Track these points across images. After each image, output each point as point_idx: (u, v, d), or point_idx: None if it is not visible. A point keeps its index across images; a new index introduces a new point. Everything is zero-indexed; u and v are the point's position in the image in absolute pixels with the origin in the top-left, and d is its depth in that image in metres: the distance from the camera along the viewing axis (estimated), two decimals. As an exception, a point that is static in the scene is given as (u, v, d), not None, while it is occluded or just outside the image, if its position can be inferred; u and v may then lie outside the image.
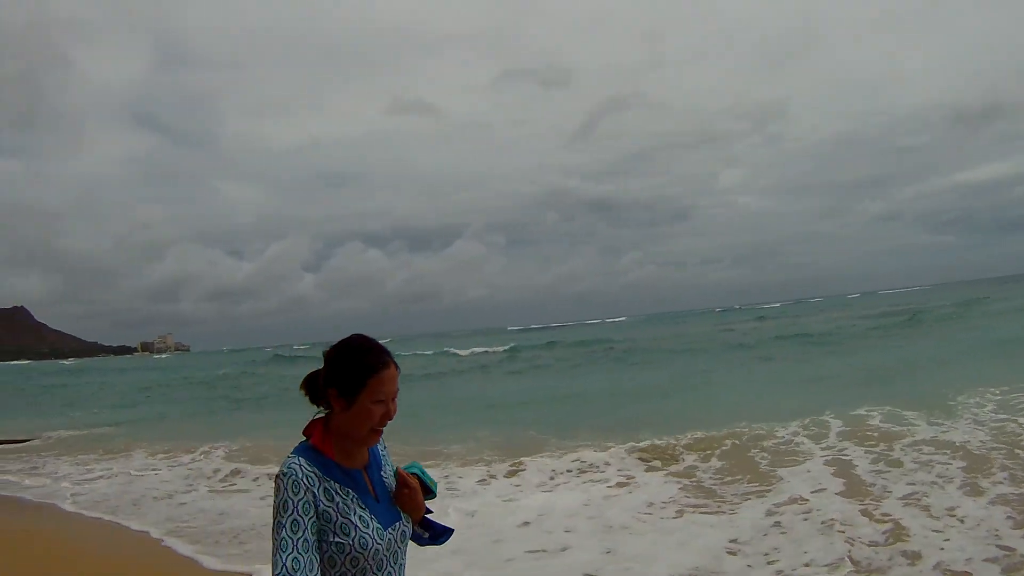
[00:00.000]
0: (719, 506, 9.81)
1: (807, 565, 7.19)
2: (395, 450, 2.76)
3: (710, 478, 11.40)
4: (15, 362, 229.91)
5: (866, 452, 11.87)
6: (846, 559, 7.21)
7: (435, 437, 16.68)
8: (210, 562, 8.98)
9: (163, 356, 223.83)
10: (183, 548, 9.59)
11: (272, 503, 2.25)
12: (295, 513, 2.21)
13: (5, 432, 24.71)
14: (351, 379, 2.38)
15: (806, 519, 8.69)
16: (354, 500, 2.35)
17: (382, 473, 2.56)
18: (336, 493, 2.32)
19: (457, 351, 61.89)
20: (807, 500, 9.48)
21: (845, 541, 7.67)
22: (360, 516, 2.34)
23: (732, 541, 8.12)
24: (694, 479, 11.39)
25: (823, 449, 12.43)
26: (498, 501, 10.93)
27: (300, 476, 2.27)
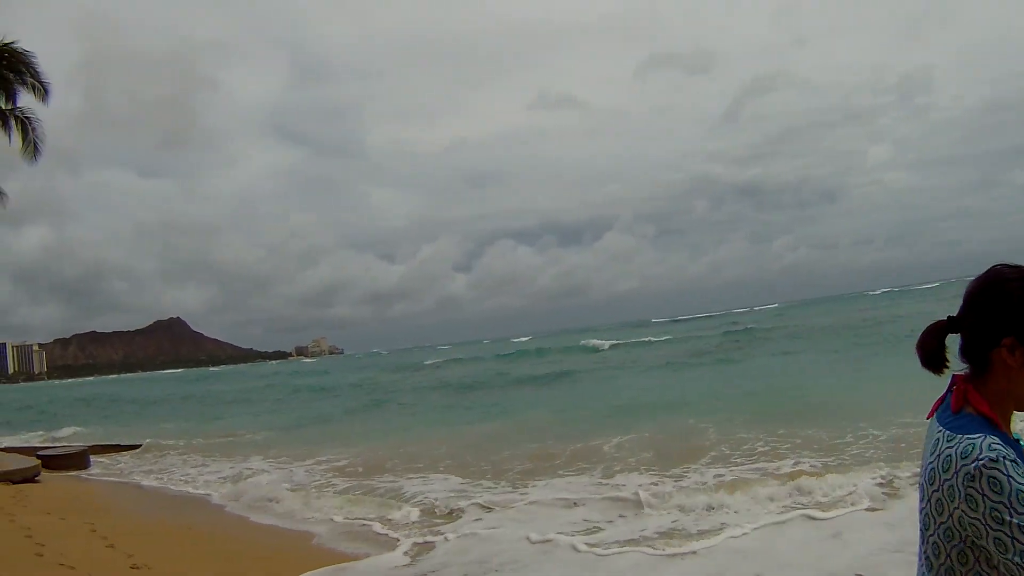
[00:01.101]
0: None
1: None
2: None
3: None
4: (169, 371, 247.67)
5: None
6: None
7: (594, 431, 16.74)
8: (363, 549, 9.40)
9: (311, 360, 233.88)
10: (341, 545, 9.89)
11: (981, 505, 1.62)
12: None
13: (120, 436, 27.01)
14: None
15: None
16: None
17: None
18: None
19: (598, 342, 61.41)
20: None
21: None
22: None
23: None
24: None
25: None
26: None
27: (1013, 455, 1.64)
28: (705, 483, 11.46)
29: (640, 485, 11.63)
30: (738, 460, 12.96)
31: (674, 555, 8.32)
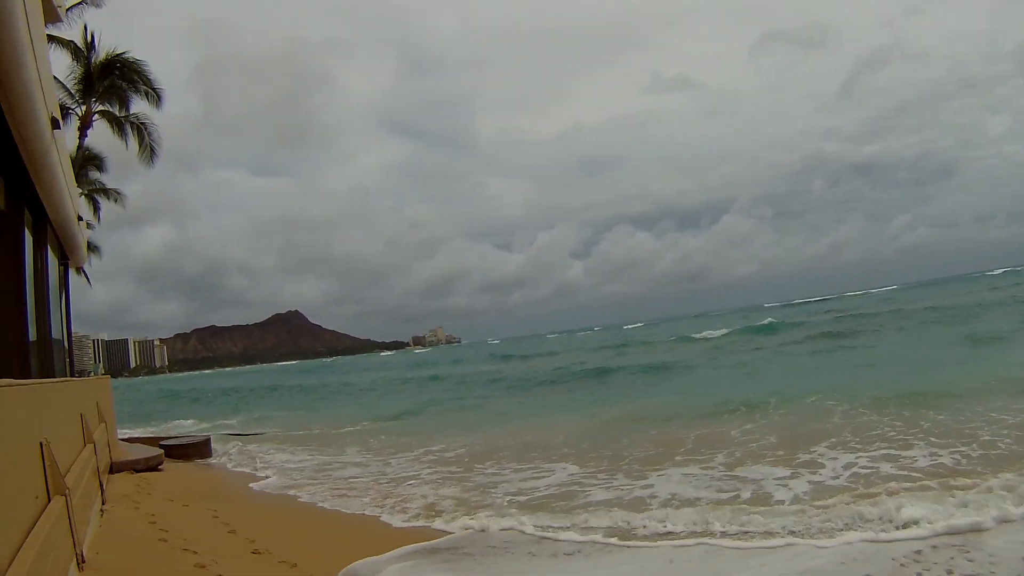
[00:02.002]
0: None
1: None
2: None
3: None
4: (284, 362, 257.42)
5: None
6: None
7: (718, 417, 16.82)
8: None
9: (424, 350, 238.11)
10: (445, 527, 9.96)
11: None
12: None
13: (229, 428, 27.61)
14: None
15: None
16: None
17: None
18: None
19: (711, 332, 60.27)
20: None
21: None
22: None
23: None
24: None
25: None
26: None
27: None
28: (837, 477, 11.00)
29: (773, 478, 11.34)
30: (865, 447, 12.49)
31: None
